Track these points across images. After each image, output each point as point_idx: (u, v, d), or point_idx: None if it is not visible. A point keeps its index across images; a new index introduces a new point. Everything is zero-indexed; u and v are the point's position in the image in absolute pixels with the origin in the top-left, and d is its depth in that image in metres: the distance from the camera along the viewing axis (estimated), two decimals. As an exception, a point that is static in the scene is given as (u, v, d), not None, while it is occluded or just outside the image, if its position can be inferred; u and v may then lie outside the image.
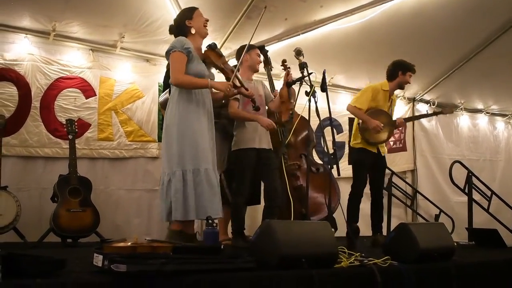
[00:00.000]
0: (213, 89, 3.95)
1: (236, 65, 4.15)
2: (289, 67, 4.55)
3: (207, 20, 3.94)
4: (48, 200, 4.69)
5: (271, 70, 5.37)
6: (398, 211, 7.30)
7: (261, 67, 5.33)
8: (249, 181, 4.40)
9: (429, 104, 7.84)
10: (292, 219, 4.28)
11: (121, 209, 5.44)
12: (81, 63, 5.35)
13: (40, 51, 5.16)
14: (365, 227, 5.44)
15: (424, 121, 7.85)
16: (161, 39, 5.35)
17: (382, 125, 5.09)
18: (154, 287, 2.30)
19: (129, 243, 2.67)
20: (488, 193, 6.73)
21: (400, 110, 7.61)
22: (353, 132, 5.40)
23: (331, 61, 6.14)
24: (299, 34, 5.71)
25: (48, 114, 5.12)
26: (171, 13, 5.08)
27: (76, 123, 4.93)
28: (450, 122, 8.17)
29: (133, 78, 5.59)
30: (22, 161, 5.01)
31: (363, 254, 3.30)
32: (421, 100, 7.79)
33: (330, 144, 4.70)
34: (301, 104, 4.38)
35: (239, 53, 4.69)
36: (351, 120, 6.93)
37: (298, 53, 4.47)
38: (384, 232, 5.47)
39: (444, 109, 5.82)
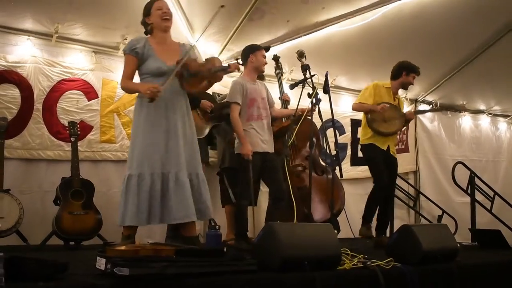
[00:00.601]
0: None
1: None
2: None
3: (166, 13, 3.79)
4: (51, 203, 4.68)
5: (282, 75, 5.39)
6: (400, 212, 7.28)
7: (272, 71, 5.37)
8: (253, 184, 4.40)
9: (431, 105, 7.84)
10: (295, 220, 4.28)
11: (124, 212, 5.43)
12: (84, 65, 5.35)
13: (42, 53, 5.16)
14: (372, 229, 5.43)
15: (426, 122, 7.85)
16: (163, 41, 5.35)
17: (387, 104, 5.09)
18: (157, 290, 2.30)
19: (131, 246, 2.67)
20: (491, 193, 6.73)
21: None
22: (362, 128, 5.35)
23: (333, 63, 6.13)
24: (301, 36, 5.71)
25: (51, 116, 5.11)
26: (173, 15, 5.07)
27: (78, 125, 4.92)
28: (452, 123, 8.17)
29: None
30: (25, 164, 5.01)
31: (366, 256, 3.29)
32: (423, 101, 7.78)
33: (332, 145, 4.69)
34: (304, 106, 4.39)
35: (244, 53, 4.69)
36: (353, 122, 6.94)
37: (301, 55, 4.48)
38: (387, 233, 5.45)
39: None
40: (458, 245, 3.86)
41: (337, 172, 4.67)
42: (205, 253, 2.79)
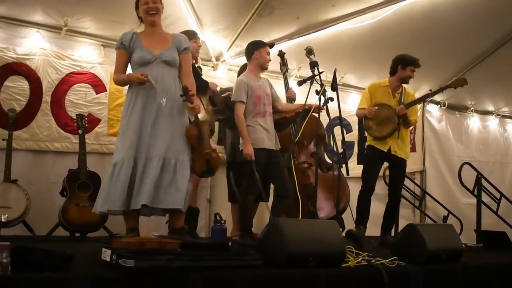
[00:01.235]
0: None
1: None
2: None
3: (152, 7, 3.73)
4: (57, 194, 4.72)
5: (287, 71, 5.37)
6: (406, 211, 7.27)
7: (278, 67, 5.36)
8: (259, 179, 4.40)
9: (439, 105, 7.81)
10: (300, 217, 4.28)
11: (129, 204, 5.45)
12: (92, 59, 5.38)
13: (51, 46, 5.18)
14: (374, 227, 5.42)
15: (434, 122, 7.81)
16: (172, 36, 5.36)
17: (375, 107, 5.03)
18: (161, 283, 2.31)
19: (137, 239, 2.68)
20: (497, 195, 6.70)
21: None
22: None
23: (342, 61, 6.12)
24: (310, 33, 5.70)
25: (59, 108, 5.14)
26: (183, 10, 5.10)
27: (86, 118, 4.95)
28: (460, 123, 8.13)
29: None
30: (32, 155, 5.05)
31: (370, 254, 3.29)
32: (432, 101, 7.74)
33: (339, 143, 4.68)
34: (312, 103, 4.38)
35: (248, 50, 4.68)
36: (361, 120, 6.91)
37: (309, 52, 4.47)
38: (392, 232, 5.45)
39: (453, 82, 5.45)
40: (463, 245, 3.84)
41: (343, 170, 4.66)
42: (210, 247, 2.80)
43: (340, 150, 4.28)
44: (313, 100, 4.38)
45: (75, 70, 5.25)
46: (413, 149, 7.56)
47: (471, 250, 5.02)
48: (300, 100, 5.46)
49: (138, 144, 3.57)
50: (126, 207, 3.52)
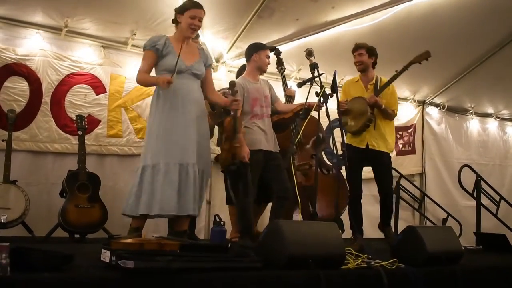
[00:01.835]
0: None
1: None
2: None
3: (197, 26, 3.83)
4: (57, 195, 4.71)
5: (284, 71, 5.36)
6: (405, 214, 7.27)
7: (274, 68, 5.35)
8: (256, 181, 4.39)
9: (439, 107, 7.82)
10: (300, 218, 4.27)
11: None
12: (92, 60, 5.38)
13: (51, 47, 5.18)
14: (371, 229, 5.41)
15: (434, 124, 7.82)
16: (172, 37, 5.36)
17: (345, 100, 4.89)
18: (161, 284, 2.31)
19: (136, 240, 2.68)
20: (497, 198, 6.71)
21: (410, 113, 7.59)
22: None
23: (341, 62, 6.09)
24: (310, 35, 5.71)
25: (59, 109, 5.14)
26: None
27: (86, 119, 4.95)
28: (459, 126, 8.14)
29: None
30: (32, 156, 5.04)
31: (370, 256, 3.29)
32: (431, 103, 7.76)
33: (339, 145, 4.68)
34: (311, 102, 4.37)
35: (248, 51, 4.68)
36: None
37: (309, 53, 4.46)
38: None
39: (416, 57, 4.94)
40: (463, 248, 3.84)
41: (343, 171, 4.65)
42: (209, 249, 2.80)
43: (340, 152, 4.28)
44: (313, 101, 4.37)
45: (75, 71, 5.25)
46: (412, 152, 7.58)
47: (471, 252, 5.01)
48: (299, 101, 5.47)
49: (176, 150, 3.62)
50: (177, 211, 3.59)
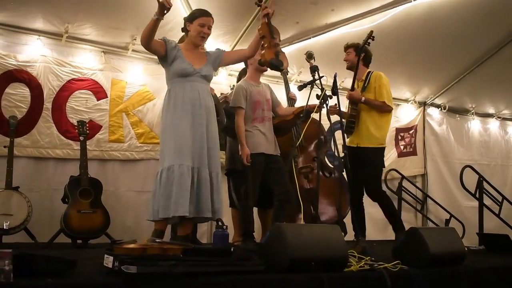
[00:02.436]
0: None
1: None
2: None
3: (207, 34, 3.85)
4: (59, 201, 4.72)
5: (287, 74, 5.37)
6: (408, 215, 7.25)
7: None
8: (258, 184, 4.39)
9: (440, 108, 7.81)
10: (303, 221, 4.27)
11: (131, 211, 5.46)
12: (93, 65, 5.39)
13: (52, 53, 5.20)
14: (373, 231, 5.41)
15: (435, 125, 7.82)
16: (172, 42, 5.37)
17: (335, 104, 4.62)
18: (164, 289, 2.31)
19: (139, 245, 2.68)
20: (499, 198, 6.70)
21: (411, 114, 7.59)
22: None
23: (342, 65, 6.09)
24: (310, 38, 5.72)
25: (60, 115, 5.15)
26: (183, 15, 5.08)
27: (87, 125, 4.96)
28: (461, 126, 8.13)
29: (144, 80, 5.61)
30: (34, 162, 5.06)
31: (373, 258, 3.29)
32: (432, 104, 7.76)
33: (340, 148, 4.67)
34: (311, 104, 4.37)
35: None
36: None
37: (310, 56, 4.47)
38: (393, 236, 5.41)
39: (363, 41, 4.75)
40: (466, 249, 3.84)
41: (345, 174, 4.65)
42: (212, 253, 2.80)
43: (341, 155, 4.27)
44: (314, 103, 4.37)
45: (76, 77, 5.27)
46: (414, 153, 7.57)
47: (474, 253, 5.01)
48: (300, 104, 5.46)
49: (189, 153, 3.62)
50: (193, 214, 3.59)
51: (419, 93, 7.47)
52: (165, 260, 2.38)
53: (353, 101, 4.74)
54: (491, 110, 8.42)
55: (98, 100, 5.37)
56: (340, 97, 4.26)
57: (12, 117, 4.75)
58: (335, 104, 4.62)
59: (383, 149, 4.81)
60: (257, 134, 4.43)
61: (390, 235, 6.14)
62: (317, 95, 4.11)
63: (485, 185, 6.46)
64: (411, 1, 5.44)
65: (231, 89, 4.25)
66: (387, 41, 5.88)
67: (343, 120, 4.75)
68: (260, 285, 2.57)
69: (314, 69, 4.31)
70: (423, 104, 7.68)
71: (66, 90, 5.21)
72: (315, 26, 5.65)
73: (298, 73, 6.32)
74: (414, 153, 7.58)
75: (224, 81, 5.97)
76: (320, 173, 4.57)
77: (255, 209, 4.75)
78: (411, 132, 7.56)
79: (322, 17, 5.54)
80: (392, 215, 4.74)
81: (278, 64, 3.83)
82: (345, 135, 4.63)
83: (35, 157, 5.04)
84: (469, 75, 6.96)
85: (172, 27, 5.07)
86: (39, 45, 5.12)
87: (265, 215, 4.98)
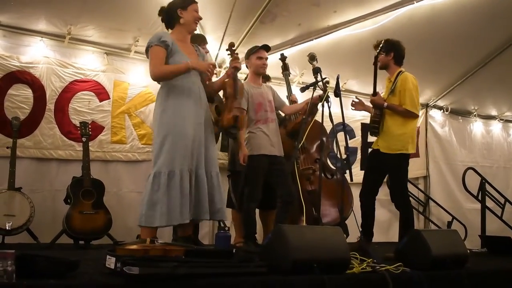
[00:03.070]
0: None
1: None
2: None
3: (200, 18, 3.81)
4: (61, 201, 4.72)
5: (289, 76, 5.38)
6: (410, 217, 7.24)
7: (279, 72, 5.36)
8: (261, 186, 4.40)
9: (442, 110, 7.81)
10: (305, 223, 4.27)
11: (134, 212, 5.42)
12: (96, 67, 5.40)
13: (55, 54, 5.21)
14: (376, 233, 5.39)
15: (437, 127, 7.80)
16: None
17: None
18: (166, 290, 2.31)
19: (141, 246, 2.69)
20: (502, 200, 6.69)
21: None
22: None
23: (344, 66, 6.13)
24: (312, 39, 5.72)
25: (62, 116, 5.16)
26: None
27: (89, 126, 4.97)
28: (463, 128, 8.12)
29: (146, 81, 5.61)
30: (36, 163, 5.06)
31: (375, 260, 3.28)
32: (435, 106, 7.75)
33: (343, 149, 4.68)
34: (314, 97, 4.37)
35: (245, 59, 4.71)
36: (363, 126, 6.93)
37: (312, 58, 4.47)
38: (396, 238, 5.41)
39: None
40: (468, 251, 3.83)
41: (347, 176, 4.64)
42: (214, 254, 2.80)
43: (344, 156, 4.27)
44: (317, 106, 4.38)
45: (79, 78, 5.28)
46: (416, 155, 7.54)
47: (476, 255, 5.01)
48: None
49: (189, 155, 3.55)
50: (191, 217, 3.58)
51: (421, 95, 7.39)
52: (167, 261, 2.39)
53: (376, 106, 4.64)
54: (493, 112, 8.41)
55: (100, 101, 5.38)
56: (342, 98, 4.26)
57: (15, 118, 4.76)
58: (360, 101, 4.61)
59: (405, 155, 4.63)
60: (260, 135, 4.44)
61: (393, 236, 6.16)
62: (319, 96, 4.11)
63: (488, 187, 6.45)
64: (414, 3, 5.44)
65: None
66: (390, 43, 5.88)
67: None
68: (262, 287, 2.57)
69: (316, 71, 4.31)
70: (425, 106, 7.67)
71: (69, 91, 5.21)
72: (317, 28, 5.65)
73: (300, 74, 6.32)
74: (416, 155, 7.55)
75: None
76: (322, 174, 4.58)
77: (256, 211, 4.75)
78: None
79: (324, 18, 5.54)
80: (405, 228, 4.48)
81: (233, 134, 4.22)
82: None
83: (38, 158, 5.05)
84: (471, 77, 6.95)
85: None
86: (42, 46, 5.12)
87: (266, 217, 4.98)
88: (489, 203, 6.47)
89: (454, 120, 8.02)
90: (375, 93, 4.61)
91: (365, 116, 6.76)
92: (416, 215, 7.46)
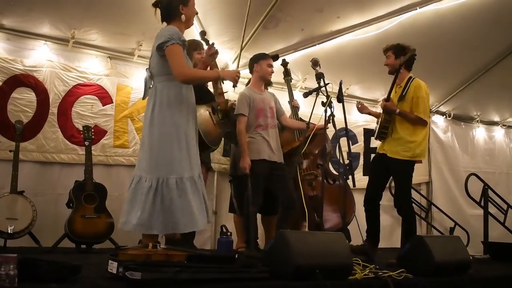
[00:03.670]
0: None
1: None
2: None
3: (196, 13, 3.71)
4: (64, 205, 4.72)
5: (291, 81, 5.38)
6: (412, 223, 7.23)
7: (281, 78, 5.37)
8: (261, 191, 4.40)
9: (445, 116, 7.80)
10: (307, 229, 4.27)
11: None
12: (99, 71, 5.41)
13: (59, 58, 5.21)
14: (381, 239, 5.38)
15: (440, 132, 7.80)
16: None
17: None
18: (168, 295, 2.31)
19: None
20: (504, 206, 6.67)
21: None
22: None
23: (347, 72, 6.13)
24: (315, 45, 5.72)
25: (65, 120, 5.16)
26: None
27: (92, 130, 4.97)
28: (466, 134, 8.12)
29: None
30: (39, 167, 5.06)
31: (377, 266, 3.28)
32: (437, 112, 7.74)
33: (345, 154, 4.67)
34: (318, 114, 4.39)
35: (250, 63, 4.71)
36: (366, 131, 6.92)
37: (315, 63, 4.47)
38: (398, 244, 5.39)
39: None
40: (471, 257, 3.82)
41: (349, 181, 4.64)
42: (216, 260, 2.80)
43: (346, 162, 4.27)
44: (319, 111, 4.38)
45: (82, 82, 5.28)
46: (418, 160, 7.53)
47: (479, 261, 4.99)
48: (304, 111, 5.47)
49: (194, 160, 3.45)
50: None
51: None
52: (170, 266, 2.38)
53: (387, 111, 4.62)
54: (496, 118, 8.40)
55: (103, 105, 5.38)
56: (345, 104, 4.26)
57: (18, 121, 4.76)
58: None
59: (412, 162, 4.66)
60: (260, 140, 4.45)
61: (395, 242, 6.14)
62: (322, 102, 4.12)
63: (490, 193, 6.43)
64: (417, 9, 5.45)
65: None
66: (393, 49, 5.88)
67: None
68: (264, 292, 2.57)
69: (319, 76, 4.32)
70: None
71: (72, 95, 5.22)
72: (320, 33, 5.66)
73: (303, 80, 6.33)
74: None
75: (228, 88, 5.97)
76: (324, 180, 4.58)
77: (258, 216, 4.75)
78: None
79: (327, 24, 5.54)
80: (408, 234, 4.43)
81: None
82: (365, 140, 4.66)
83: (41, 161, 5.05)
84: (474, 83, 6.95)
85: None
86: (46, 50, 5.13)
87: (268, 222, 4.98)
88: (492, 209, 6.45)
89: (457, 126, 8.01)
90: (388, 98, 4.60)
91: (367, 122, 6.76)
92: (418, 221, 7.43)
